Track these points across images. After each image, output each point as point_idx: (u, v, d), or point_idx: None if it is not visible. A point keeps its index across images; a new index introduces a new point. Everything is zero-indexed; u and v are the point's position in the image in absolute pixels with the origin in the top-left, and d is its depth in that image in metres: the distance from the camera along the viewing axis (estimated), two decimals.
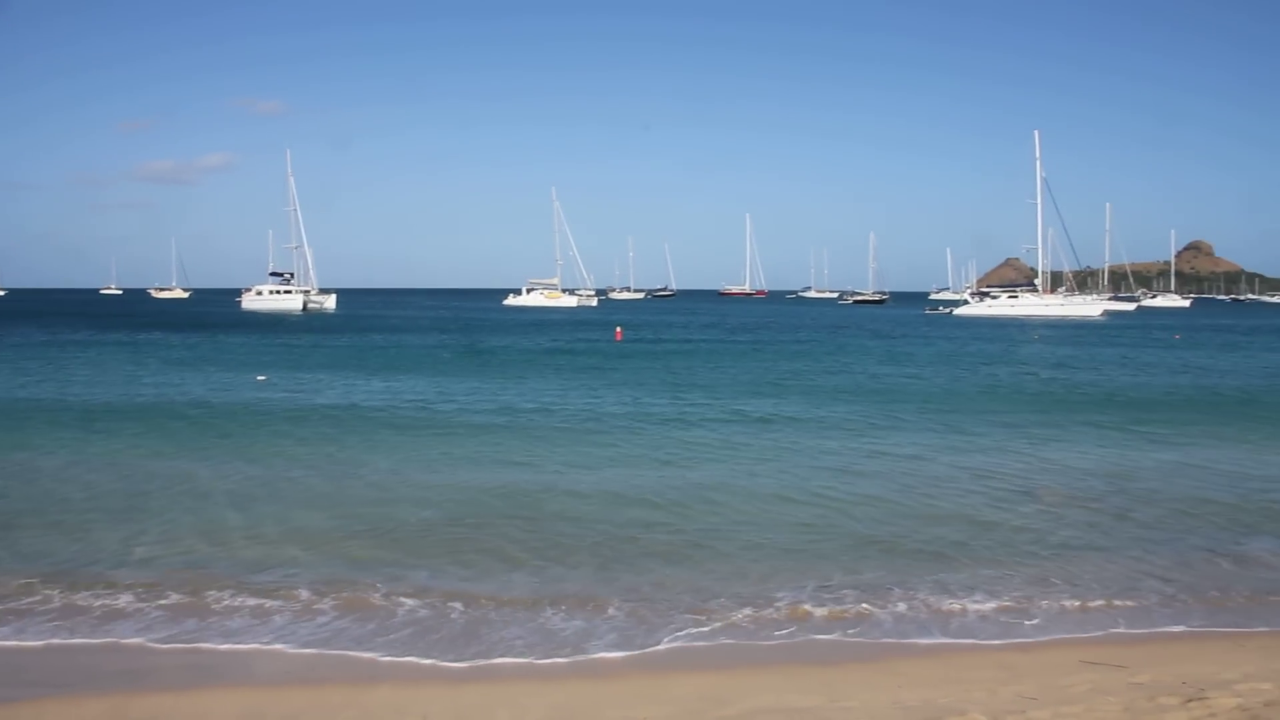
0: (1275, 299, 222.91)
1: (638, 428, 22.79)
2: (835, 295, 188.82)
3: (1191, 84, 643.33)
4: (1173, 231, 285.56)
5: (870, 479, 17.24)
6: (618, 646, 9.61)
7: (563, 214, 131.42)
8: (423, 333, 66.83)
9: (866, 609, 10.64)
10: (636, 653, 9.45)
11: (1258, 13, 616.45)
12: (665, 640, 9.75)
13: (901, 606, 10.77)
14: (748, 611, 10.50)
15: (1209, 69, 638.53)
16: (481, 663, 9.13)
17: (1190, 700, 7.33)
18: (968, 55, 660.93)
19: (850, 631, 10.07)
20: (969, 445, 20.82)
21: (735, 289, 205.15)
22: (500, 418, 24.11)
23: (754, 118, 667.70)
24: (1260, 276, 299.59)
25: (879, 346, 54.69)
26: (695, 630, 9.99)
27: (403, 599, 10.72)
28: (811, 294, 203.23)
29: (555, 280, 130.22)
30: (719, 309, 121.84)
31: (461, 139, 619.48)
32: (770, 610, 10.56)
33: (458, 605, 10.55)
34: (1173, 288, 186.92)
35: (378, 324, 77.62)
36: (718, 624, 10.15)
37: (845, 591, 11.16)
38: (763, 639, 9.84)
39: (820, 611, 10.55)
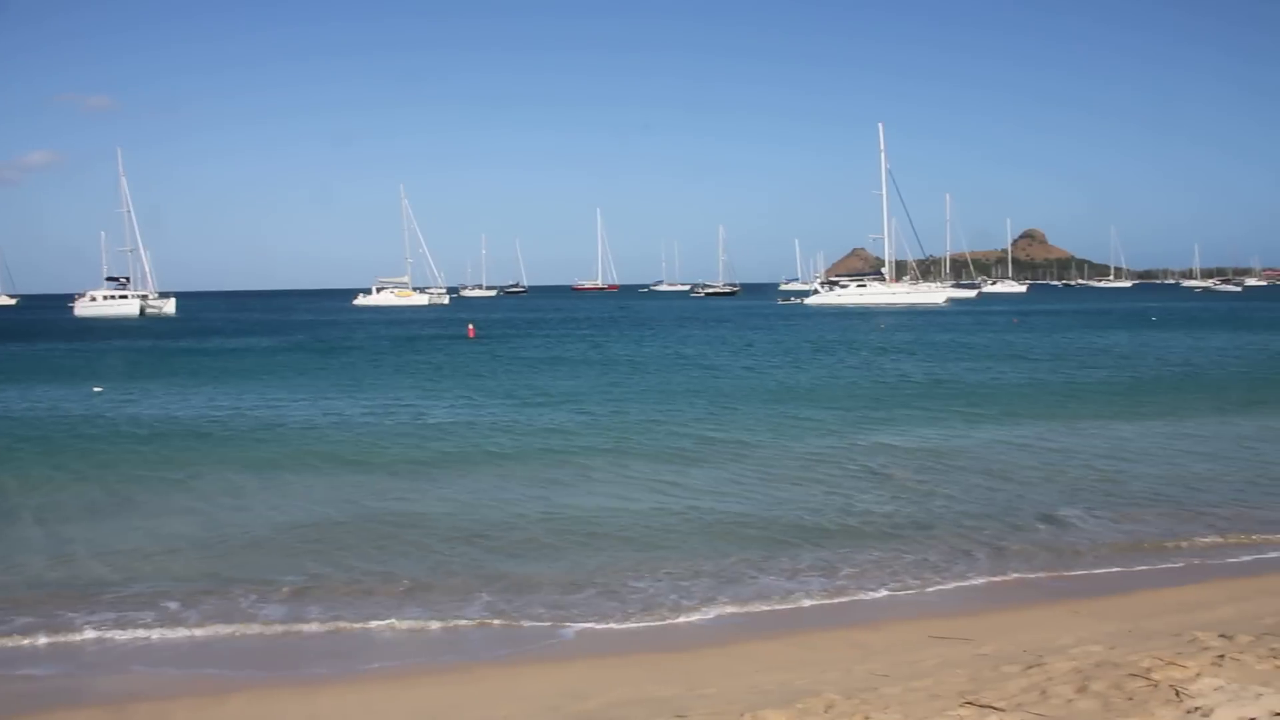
0: (1102, 284, 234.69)
1: (479, 428, 22.45)
2: (687, 288, 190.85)
3: (1022, 84, 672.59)
4: (1009, 221, 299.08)
5: (712, 469, 17.54)
6: (479, 646, 9.54)
7: (411, 212, 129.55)
8: (264, 335, 64.37)
9: (718, 595, 10.79)
10: (500, 651, 9.37)
11: (1089, 13, 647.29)
12: (526, 638, 9.70)
13: (753, 591, 10.97)
14: (605, 604, 10.53)
15: (1040, 68, 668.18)
16: (339, 669, 8.93)
17: (1030, 667, 7.61)
18: (812, 45, 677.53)
19: (706, 618, 10.18)
20: (810, 431, 21.39)
21: (588, 284, 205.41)
22: (337, 423, 23.30)
23: (604, 113, 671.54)
24: (1089, 262, 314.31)
25: (728, 335, 55.56)
26: (554, 626, 9.96)
27: (252, 610, 10.40)
28: (663, 287, 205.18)
29: (406, 279, 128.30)
30: (570, 304, 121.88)
31: (304, 133, 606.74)
32: (627, 602, 10.61)
33: (315, 613, 10.31)
34: (1010, 274, 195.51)
35: (220, 328, 75.06)
36: (576, 618, 10.14)
37: (698, 580, 11.30)
38: (620, 630, 9.87)
39: (674, 600, 10.65)
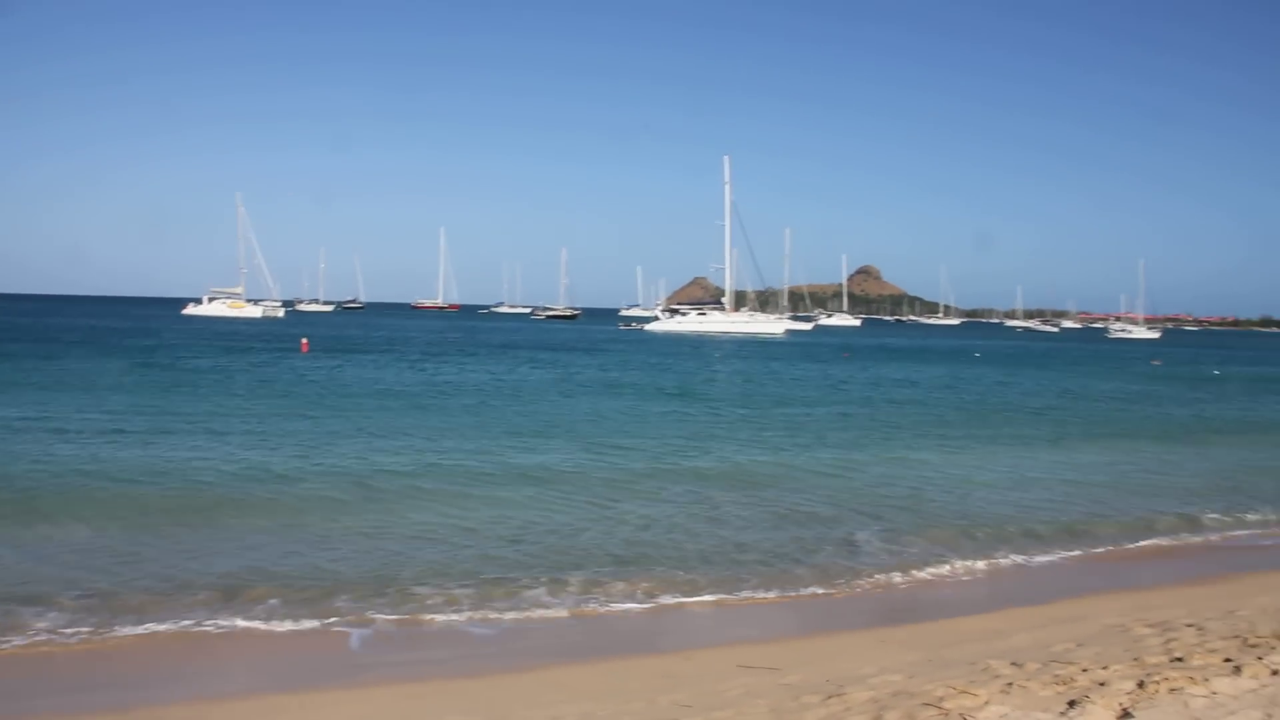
0: (931, 321, 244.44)
1: (274, 442, 21.65)
2: (528, 310, 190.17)
3: (857, 129, 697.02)
4: (844, 256, 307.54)
5: (520, 491, 17.30)
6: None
7: (248, 220, 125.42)
8: (70, 345, 59.83)
9: (523, 618, 10.69)
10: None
11: (925, 59, 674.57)
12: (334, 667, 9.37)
13: (564, 614, 10.92)
14: (405, 628, 10.32)
15: (878, 111, 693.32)
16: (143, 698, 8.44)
17: (830, 697, 7.70)
18: (657, 82, 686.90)
19: (511, 644, 10.04)
20: (624, 458, 21.36)
21: (428, 302, 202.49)
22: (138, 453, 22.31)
23: (451, 133, 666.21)
24: (920, 300, 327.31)
25: (552, 360, 55.54)
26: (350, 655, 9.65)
27: None
28: (504, 309, 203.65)
29: (239, 289, 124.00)
30: (406, 323, 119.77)
31: (142, 132, 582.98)
32: (423, 625, 10.43)
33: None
34: (845, 308, 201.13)
35: (23, 334, 70.46)
36: (373, 645, 9.87)
37: (509, 600, 11.17)
38: (421, 656, 9.63)
39: (477, 622, 10.51)
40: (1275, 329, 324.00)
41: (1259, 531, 16.32)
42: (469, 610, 10.91)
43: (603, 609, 11.23)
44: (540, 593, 11.54)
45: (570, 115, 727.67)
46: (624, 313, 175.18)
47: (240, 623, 10.31)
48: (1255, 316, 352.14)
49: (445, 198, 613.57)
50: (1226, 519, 16.85)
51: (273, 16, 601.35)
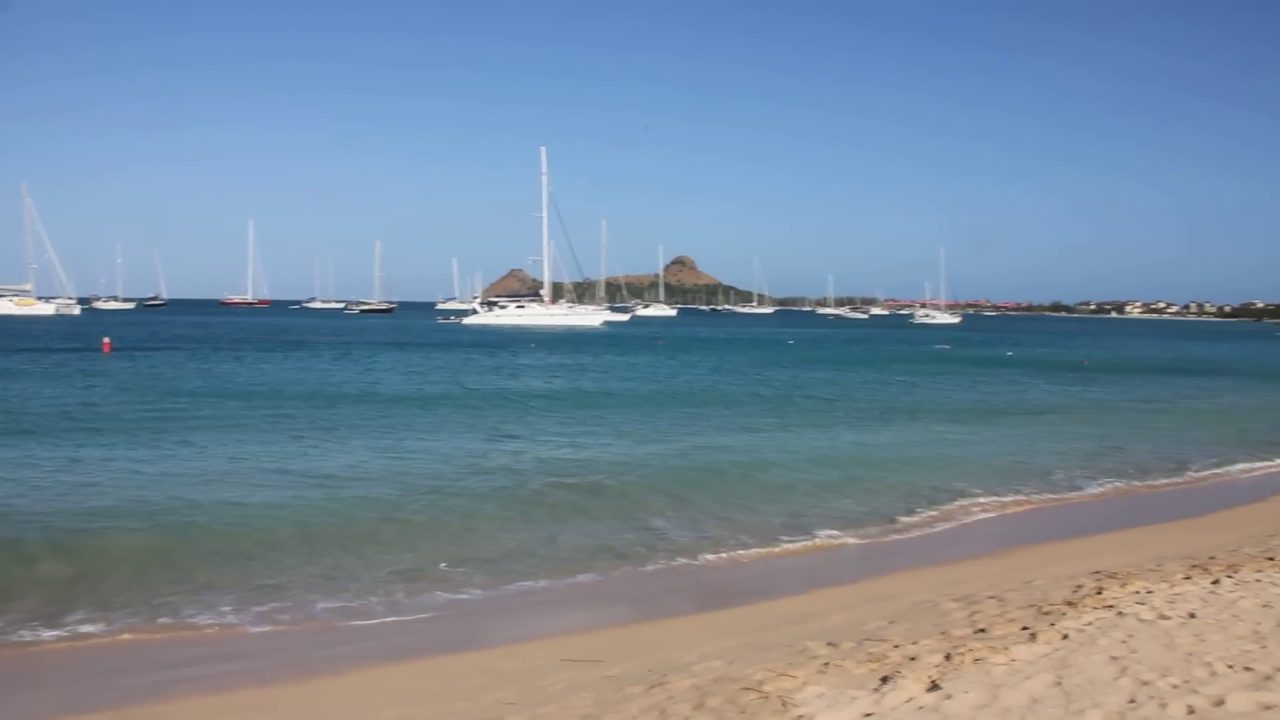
0: (746, 310, 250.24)
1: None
2: (341, 305, 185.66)
3: (672, 119, 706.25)
4: (660, 247, 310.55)
5: (313, 489, 16.88)
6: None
7: (36, 213, 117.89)
8: None
9: (347, 613, 10.44)
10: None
11: (747, 59, 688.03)
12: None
13: (383, 613, 10.71)
14: (216, 635, 9.94)
15: (695, 100, 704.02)
16: None
17: (653, 686, 7.76)
18: (471, 68, 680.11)
19: (327, 647, 9.77)
20: (425, 449, 21.26)
21: (237, 298, 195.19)
22: None
23: (258, 123, 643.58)
24: (735, 289, 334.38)
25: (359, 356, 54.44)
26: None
27: None
28: (317, 304, 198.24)
29: (28, 286, 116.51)
30: (212, 320, 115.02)
31: None
32: (236, 632, 10.11)
33: None
34: (662, 298, 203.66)
35: None
36: (177, 655, 9.46)
37: (321, 604, 10.90)
38: (218, 661, 9.30)
39: (291, 627, 10.22)
40: (1064, 313, 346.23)
41: (1052, 499, 17.31)
42: (286, 614, 10.58)
43: (421, 607, 11.05)
44: (360, 591, 11.30)
45: (381, 108, 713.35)
46: (441, 306, 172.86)
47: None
48: (1047, 302, 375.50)
49: (255, 189, 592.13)
50: (1019, 495, 17.81)
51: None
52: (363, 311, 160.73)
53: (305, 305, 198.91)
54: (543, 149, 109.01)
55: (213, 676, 8.97)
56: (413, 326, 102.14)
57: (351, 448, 21.34)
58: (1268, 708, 6.11)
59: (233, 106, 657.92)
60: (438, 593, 11.53)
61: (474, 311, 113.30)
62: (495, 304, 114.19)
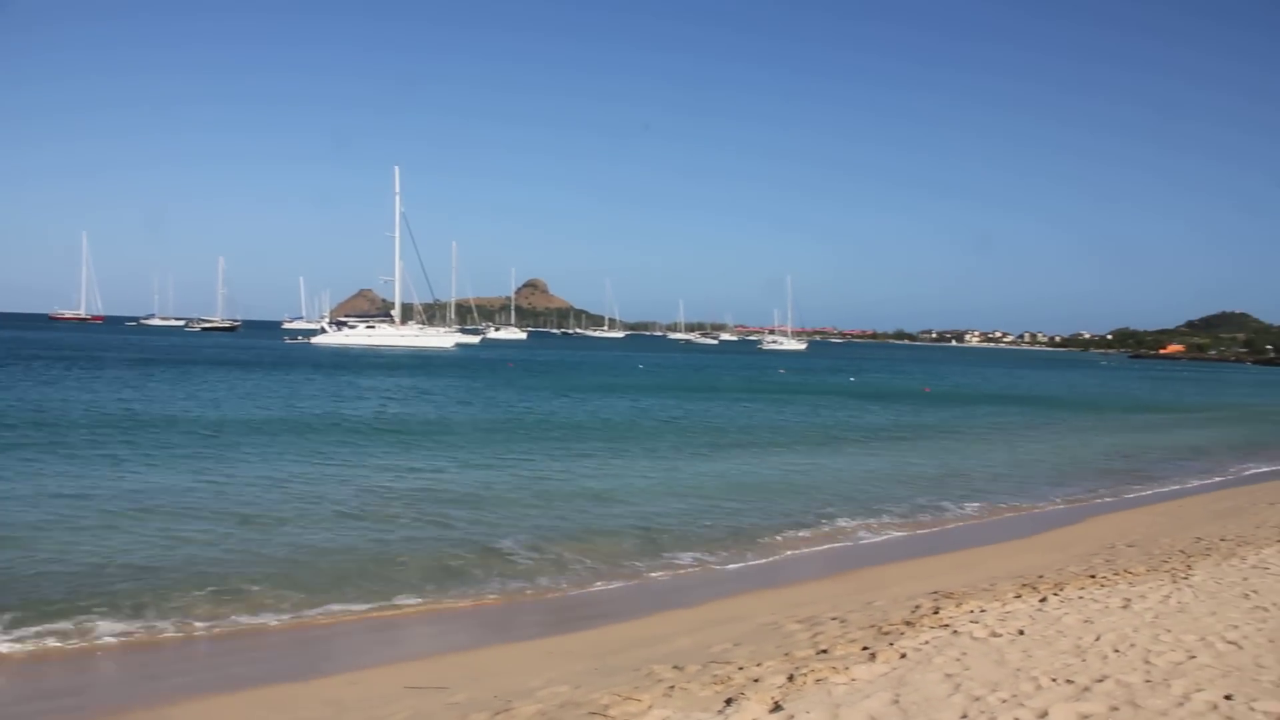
0: (597, 333, 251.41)
1: None
2: (181, 322, 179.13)
3: (523, 142, 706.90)
4: (512, 270, 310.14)
5: (128, 517, 16.03)
6: None
7: None
8: None
9: (170, 651, 10.03)
10: None
11: (582, 64, 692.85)
12: None
13: (212, 639, 10.32)
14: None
15: (534, 126, 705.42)
16: None
17: (498, 714, 7.67)
18: (319, 83, 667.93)
19: (155, 677, 9.36)
20: (269, 470, 20.70)
21: (69, 313, 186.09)
22: None
23: (87, 128, 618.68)
24: (586, 313, 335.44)
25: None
26: None
27: None
28: (155, 320, 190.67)
29: None
30: (33, 336, 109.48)
31: None
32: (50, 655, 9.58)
33: None
34: (513, 321, 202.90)
35: None
36: None
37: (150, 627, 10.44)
38: (40, 699, 8.81)
39: (111, 653, 9.80)
40: (906, 341, 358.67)
41: (892, 522, 17.81)
42: (115, 645, 10.10)
43: (258, 636, 10.69)
44: (194, 619, 10.86)
45: (231, 119, 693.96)
46: (287, 325, 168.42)
47: None
48: (891, 330, 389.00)
49: (89, 200, 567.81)
50: (861, 519, 18.28)
51: None
52: (205, 329, 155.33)
53: (143, 322, 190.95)
54: (396, 168, 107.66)
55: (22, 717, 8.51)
56: (257, 346, 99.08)
57: (172, 472, 20.36)
58: (1086, 717, 6.40)
59: (66, 120, 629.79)
60: (275, 620, 11.15)
61: (322, 331, 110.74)
62: (344, 324, 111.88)
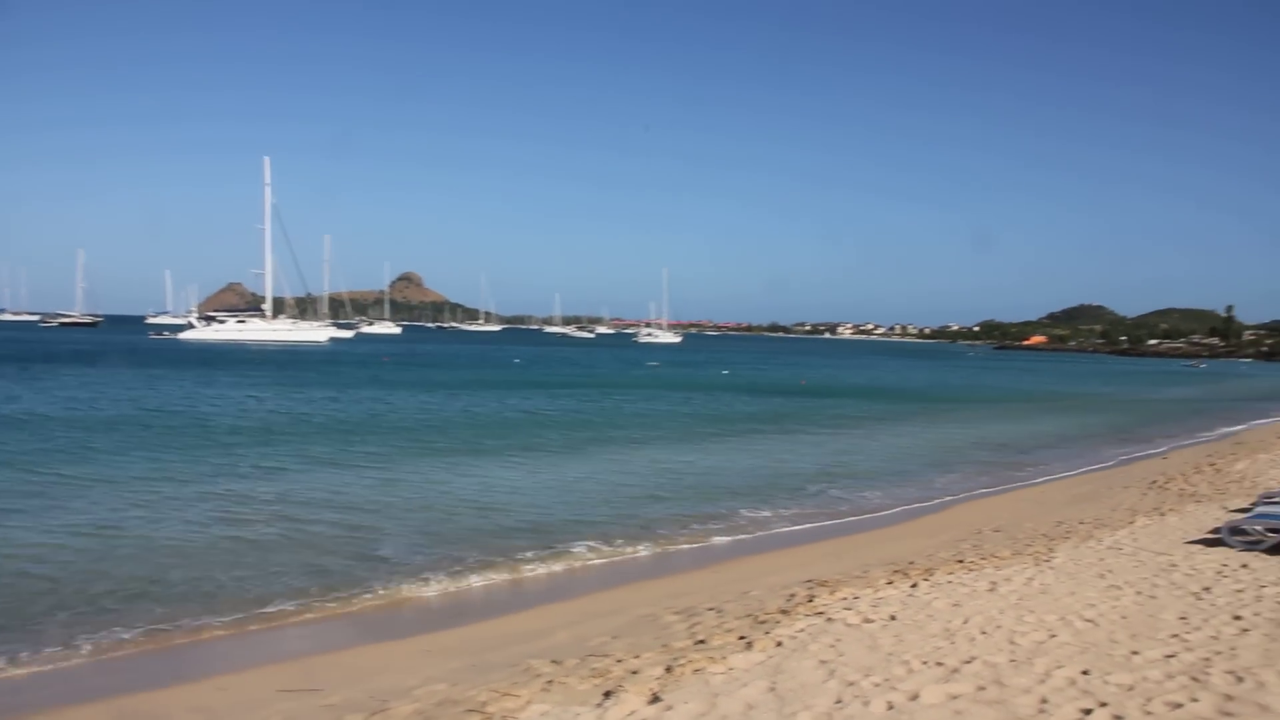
0: (472, 327, 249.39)
1: None
2: (36, 317, 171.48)
3: (399, 133, 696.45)
4: (386, 263, 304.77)
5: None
6: None
7: None
8: None
9: (13, 670, 9.58)
10: None
11: (470, 65, 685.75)
12: None
13: (83, 652, 9.91)
14: None
15: (408, 115, 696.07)
16: None
17: (374, 714, 7.55)
18: (184, 73, 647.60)
19: (7, 692, 8.96)
20: (135, 477, 20.00)
21: None
22: None
23: None
24: (462, 306, 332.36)
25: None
26: None
27: None
28: (6, 316, 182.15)
29: None
30: None
31: None
32: None
33: None
34: (388, 315, 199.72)
35: None
36: None
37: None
38: None
39: None
40: (781, 333, 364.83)
41: (767, 513, 18.06)
42: None
43: (121, 645, 10.28)
44: (47, 632, 10.40)
45: (82, 110, 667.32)
46: (152, 320, 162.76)
47: None
48: (765, 323, 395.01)
49: None
50: (737, 510, 18.51)
51: None
52: (62, 325, 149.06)
53: None
54: (266, 159, 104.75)
55: None
56: (119, 341, 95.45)
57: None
58: (955, 697, 6.59)
59: None
60: (130, 633, 10.68)
61: (190, 326, 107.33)
62: (214, 319, 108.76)
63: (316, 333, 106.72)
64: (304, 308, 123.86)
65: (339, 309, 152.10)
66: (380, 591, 12.41)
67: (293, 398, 39.84)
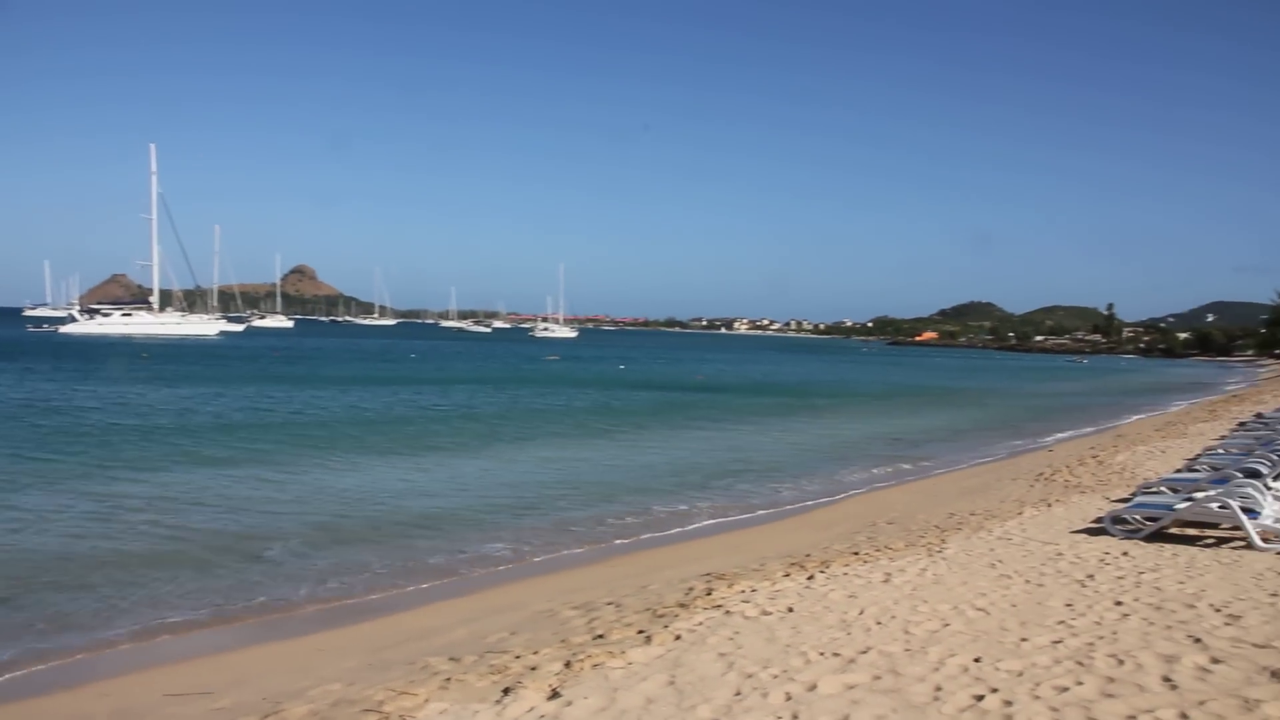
0: (367, 321, 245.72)
1: None
2: None
3: (289, 124, 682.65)
4: (278, 256, 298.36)
5: None
6: None
7: None
8: None
9: None
10: None
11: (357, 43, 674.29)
12: None
13: None
14: None
15: (304, 107, 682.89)
16: None
17: (267, 716, 7.36)
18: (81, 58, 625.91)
19: None
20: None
21: None
22: None
23: None
24: (356, 300, 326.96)
25: None
26: None
27: None
28: None
29: None
30: None
31: None
32: None
33: None
34: (280, 309, 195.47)
35: None
36: None
37: None
38: None
39: None
40: (678, 328, 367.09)
41: (665, 508, 18.13)
42: None
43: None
44: None
45: None
46: (30, 312, 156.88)
47: None
48: (662, 318, 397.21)
49: None
50: (634, 504, 18.56)
51: None
52: None
53: None
54: (152, 146, 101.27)
55: None
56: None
57: None
58: (851, 687, 6.68)
59: None
60: (10, 638, 10.26)
61: (72, 319, 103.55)
62: (98, 311, 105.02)
63: (206, 326, 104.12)
64: (192, 300, 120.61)
65: (229, 302, 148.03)
66: (271, 592, 12.12)
67: (177, 393, 38.62)
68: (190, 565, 13.07)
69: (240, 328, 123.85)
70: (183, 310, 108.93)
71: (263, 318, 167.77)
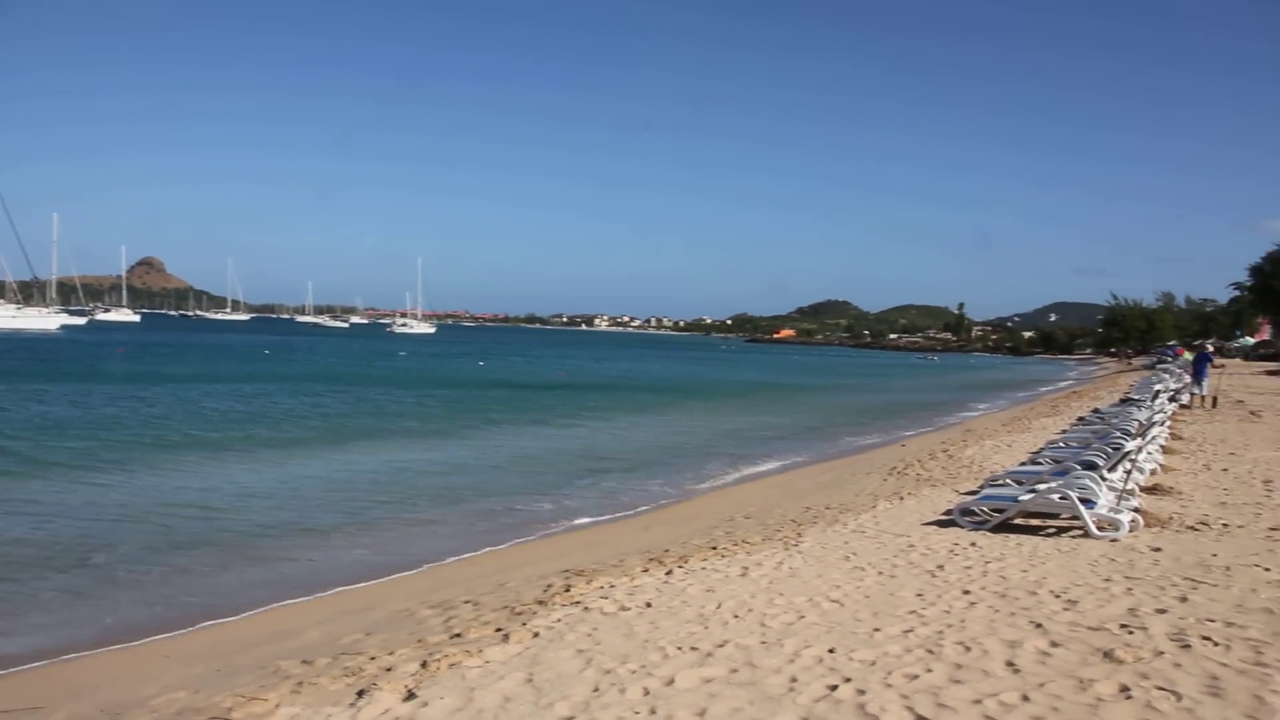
0: (219, 316, 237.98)
1: None
2: None
3: (130, 109, 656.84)
4: (124, 247, 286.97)
5: None
6: None
7: None
8: None
9: None
10: None
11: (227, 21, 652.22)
12: None
13: None
14: None
15: (139, 89, 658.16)
16: None
17: None
18: None
19: None
20: None
21: None
22: None
23: None
24: (207, 294, 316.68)
25: None
26: None
27: None
28: None
29: None
30: None
31: None
32: None
33: None
34: (125, 302, 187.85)
35: None
36: None
37: None
38: None
39: None
40: (539, 325, 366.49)
41: (519, 505, 18.03)
42: None
43: None
44: None
45: None
46: None
47: None
48: (523, 314, 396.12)
49: None
50: (493, 502, 18.41)
51: None
52: None
53: None
54: None
55: None
56: None
57: None
58: (709, 680, 6.72)
59: None
60: None
61: None
62: None
63: (44, 320, 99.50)
64: (29, 293, 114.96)
65: (70, 295, 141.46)
66: (104, 599, 11.54)
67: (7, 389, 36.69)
68: (12, 575, 12.26)
69: (83, 321, 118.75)
70: (18, 303, 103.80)
71: (107, 311, 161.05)
